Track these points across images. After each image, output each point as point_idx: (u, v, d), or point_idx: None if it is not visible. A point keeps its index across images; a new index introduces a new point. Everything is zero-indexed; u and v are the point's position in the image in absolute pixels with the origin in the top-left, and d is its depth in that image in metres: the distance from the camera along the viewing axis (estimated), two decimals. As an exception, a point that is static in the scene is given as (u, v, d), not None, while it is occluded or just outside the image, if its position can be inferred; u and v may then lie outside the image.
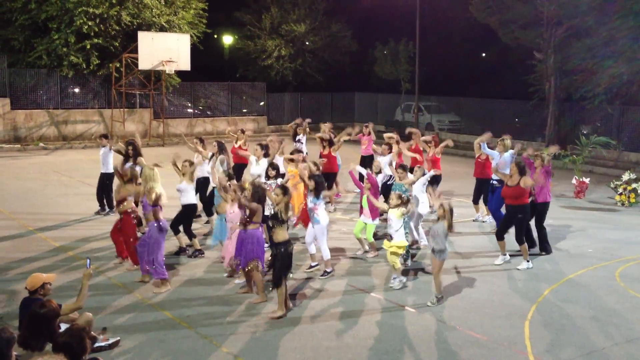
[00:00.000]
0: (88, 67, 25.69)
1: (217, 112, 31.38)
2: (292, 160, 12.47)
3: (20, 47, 25.73)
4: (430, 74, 35.07)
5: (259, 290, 8.56)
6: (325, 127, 15.18)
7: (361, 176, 11.32)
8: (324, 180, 10.05)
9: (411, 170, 11.39)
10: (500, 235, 10.44)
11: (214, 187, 11.55)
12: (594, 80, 22.69)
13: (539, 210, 10.94)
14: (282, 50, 33.87)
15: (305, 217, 10.38)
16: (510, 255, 10.58)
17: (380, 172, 12.02)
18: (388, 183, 12.38)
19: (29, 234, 11.87)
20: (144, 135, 27.83)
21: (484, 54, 45.20)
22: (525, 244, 10.30)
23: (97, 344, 6.88)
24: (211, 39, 36.70)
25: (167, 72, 25.49)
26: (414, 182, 10.75)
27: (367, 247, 10.81)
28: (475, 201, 13.45)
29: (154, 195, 8.95)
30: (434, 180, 13.82)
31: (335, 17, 35.92)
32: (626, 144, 23.48)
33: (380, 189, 11.70)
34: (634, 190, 15.35)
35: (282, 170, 13.46)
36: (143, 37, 24.48)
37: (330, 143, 14.38)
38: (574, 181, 16.53)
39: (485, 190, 12.90)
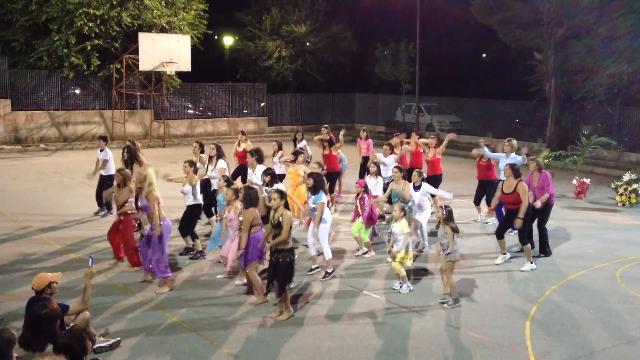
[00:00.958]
0: (89, 68, 25.72)
1: (217, 113, 31.40)
2: (293, 161, 12.46)
3: (21, 48, 25.76)
4: (430, 74, 35.07)
5: (258, 291, 8.56)
6: (324, 131, 15.41)
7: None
8: (323, 178, 10.03)
9: (410, 172, 11.38)
10: (500, 234, 10.44)
11: (214, 190, 11.55)
12: (594, 80, 22.70)
13: (542, 211, 10.89)
14: (282, 51, 33.88)
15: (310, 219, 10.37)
16: (511, 257, 10.58)
17: (379, 174, 11.93)
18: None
19: (30, 235, 11.88)
20: (145, 136, 27.86)
21: (484, 55, 45.24)
22: (529, 244, 10.28)
23: (97, 345, 6.89)
24: (212, 40, 36.73)
25: (167, 73, 25.50)
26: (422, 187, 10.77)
27: (364, 248, 10.85)
28: (477, 202, 13.45)
29: (156, 195, 8.92)
30: (434, 182, 13.83)
31: (336, 18, 35.94)
32: (627, 145, 23.48)
33: (383, 188, 11.88)
34: (635, 190, 15.34)
35: (282, 172, 13.50)
36: (144, 38, 24.49)
37: (330, 143, 14.41)
38: (574, 182, 16.51)
39: (488, 191, 12.87)
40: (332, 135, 15.53)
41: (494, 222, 12.91)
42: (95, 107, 27.41)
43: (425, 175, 13.62)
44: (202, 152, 12.41)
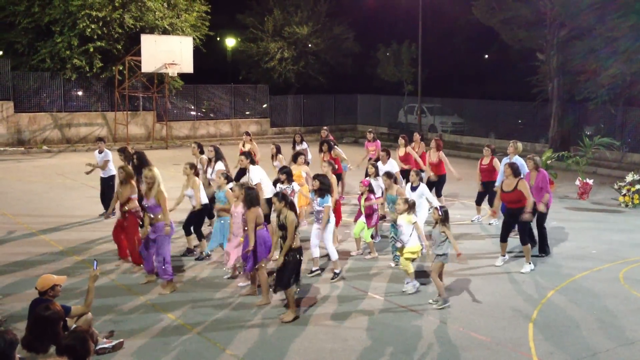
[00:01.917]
0: (91, 70, 25.77)
1: (220, 114, 31.42)
2: (294, 162, 12.51)
3: (24, 50, 25.83)
4: (432, 75, 35.09)
5: (264, 291, 8.56)
6: (323, 132, 15.45)
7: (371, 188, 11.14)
8: (329, 180, 10.05)
9: (407, 173, 11.37)
10: (504, 237, 10.42)
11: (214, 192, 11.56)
12: (597, 81, 22.67)
13: (541, 211, 10.87)
14: (284, 53, 33.91)
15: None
16: (515, 256, 10.55)
17: (377, 175, 11.81)
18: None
19: (33, 237, 11.90)
20: (147, 138, 27.89)
21: (486, 55, 45.21)
22: (529, 245, 10.27)
23: (100, 346, 6.89)
24: (214, 41, 36.81)
25: (170, 74, 25.54)
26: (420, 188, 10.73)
27: (361, 249, 10.89)
28: (478, 202, 13.43)
29: (163, 195, 8.96)
30: (438, 183, 13.82)
31: (338, 19, 35.96)
32: (630, 145, 23.44)
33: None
34: (638, 191, 15.30)
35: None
36: (146, 40, 24.53)
37: (330, 147, 14.29)
38: (577, 182, 16.48)
39: (491, 192, 12.85)
40: (332, 137, 15.52)
41: (497, 223, 12.89)
42: (97, 109, 27.45)
43: (430, 175, 13.68)
44: (202, 152, 12.43)
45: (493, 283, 9.57)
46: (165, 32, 27.02)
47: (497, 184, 12.07)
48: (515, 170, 10.18)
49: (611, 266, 10.51)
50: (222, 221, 9.93)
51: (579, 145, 20.01)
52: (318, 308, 8.47)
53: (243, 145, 14.74)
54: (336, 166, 12.70)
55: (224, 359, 6.99)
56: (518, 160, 12.13)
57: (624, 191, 15.50)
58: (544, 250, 10.99)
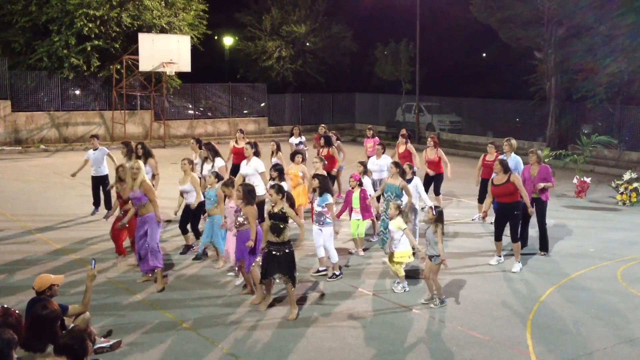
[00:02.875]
0: (89, 69, 25.72)
1: (217, 113, 31.40)
2: (292, 160, 12.50)
3: (21, 49, 25.77)
4: (430, 74, 35.09)
5: (257, 289, 8.54)
6: (321, 130, 15.44)
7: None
8: (328, 179, 10.05)
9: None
10: (498, 236, 10.38)
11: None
12: (595, 79, 22.69)
13: (539, 208, 10.85)
14: (282, 51, 33.88)
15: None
16: (510, 256, 10.56)
17: (365, 173, 11.73)
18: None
19: (30, 236, 11.88)
20: (145, 136, 27.84)
21: (484, 54, 45.21)
22: (519, 243, 10.23)
23: (98, 345, 6.88)
24: (212, 40, 36.74)
25: (167, 73, 25.50)
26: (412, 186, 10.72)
27: (358, 247, 10.92)
28: (481, 200, 13.37)
29: (149, 185, 9.11)
30: (437, 180, 13.80)
31: (336, 17, 35.92)
32: (627, 143, 23.47)
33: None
34: (635, 189, 15.32)
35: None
36: (143, 38, 24.50)
37: (328, 142, 14.30)
38: (575, 181, 16.50)
39: None
40: (331, 132, 15.51)
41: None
42: (95, 108, 27.42)
43: (427, 171, 13.68)
44: (200, 147, 12.44)
45: (490, 281, 9.58)
46: (162, 30, 26.98)
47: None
48: (505, 166, 10.15)
49: (609, 264, 10.53)
50: (213, 219, 9.94)
51: (576, 143, 20.03)
52: (316, 306, 8.47)
53: (236, 142, 14.59)
54: (326, 162, 12.73)
55: (222, 357, 6.98)
56: (515, 158, 12.14)
57: (621, 189, 15.52)
58: (545, 247, 10.98)
